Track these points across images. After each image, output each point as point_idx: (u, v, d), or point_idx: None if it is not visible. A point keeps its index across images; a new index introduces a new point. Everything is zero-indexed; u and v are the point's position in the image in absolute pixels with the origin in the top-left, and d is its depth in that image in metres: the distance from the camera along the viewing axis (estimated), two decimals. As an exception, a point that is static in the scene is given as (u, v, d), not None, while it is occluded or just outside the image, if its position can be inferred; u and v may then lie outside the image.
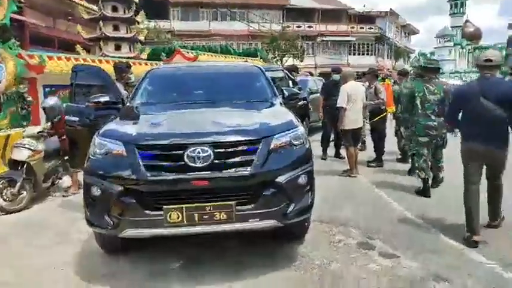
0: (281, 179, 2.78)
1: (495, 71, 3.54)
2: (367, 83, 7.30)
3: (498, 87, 3.42)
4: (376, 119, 6.92)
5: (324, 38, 38.16)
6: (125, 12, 14.83)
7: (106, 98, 4.05)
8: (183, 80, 4.25)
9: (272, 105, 3.75)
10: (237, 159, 2.72)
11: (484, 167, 3.62)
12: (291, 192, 2.83)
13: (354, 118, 5.92)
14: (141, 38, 15.73)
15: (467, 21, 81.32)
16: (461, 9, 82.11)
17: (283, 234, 3.38)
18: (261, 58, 21.21)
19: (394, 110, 7.10)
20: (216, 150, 2.69)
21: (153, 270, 3.08)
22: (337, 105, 6.01)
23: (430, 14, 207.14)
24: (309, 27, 38.20)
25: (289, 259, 3.21)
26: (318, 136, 8.84)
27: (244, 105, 3.71)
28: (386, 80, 7.79)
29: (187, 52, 16.06)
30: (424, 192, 4.95)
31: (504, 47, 63.47)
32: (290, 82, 6.02)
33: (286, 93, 4.13)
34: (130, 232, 2.72)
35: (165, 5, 34.25)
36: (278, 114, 3.37)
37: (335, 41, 38.63)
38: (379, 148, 6.94)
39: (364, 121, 7.38)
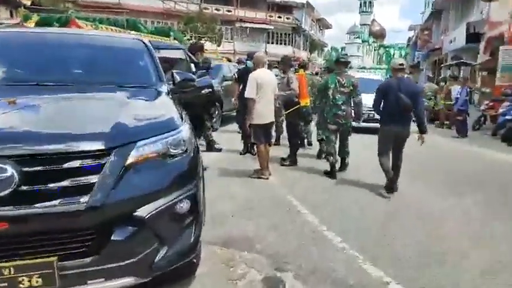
0: (144, 211, 1.78)
1: (404, 72, 5.04)
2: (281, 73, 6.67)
3: (409, 85, 4.80)
4: (288, 111, 6.24)
5: (243, 24, 37.37)
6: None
7: None
8: (24, 51, 2.93)
9: (156, 93, 2.70)
10: (64, 183, 1.64)
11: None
12: (162, 230, 1.86)
13: (263, 111, 5.11)
14: (27, 2, 13.09)
15: (373, 20, 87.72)
16: (370, 8, 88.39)
17: (159, 282, 2.37)
18: (174, 39, 19.54)
19: (308, 103, 6.54)
20: (23, 169, 1.59)
21: None
22: (245, 96, 5.18)
23: (340, 11, 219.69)
24: (228, 11, 37.03)
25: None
26: (232, 126, 7.99)
27: (111, 91, 2.59)
28: (300, 70, 7.14)
29: (86, 24, 13.86)
30: (331, 174, 5.53)
31: (404, 46, 69.95)
32: (192, 65, 4.96)
33: (177, 78, 3.09)
34: None
35: (66, -30, 29.99)
36: (155, 107, 2.36)
37: (254, 28, 38.10)
38: (292, 144, 6.28)
39: (281, 114, 6.75)
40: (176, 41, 20.38)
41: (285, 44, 40.85)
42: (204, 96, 4.84)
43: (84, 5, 27.88)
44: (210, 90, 4.93)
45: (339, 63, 5.63)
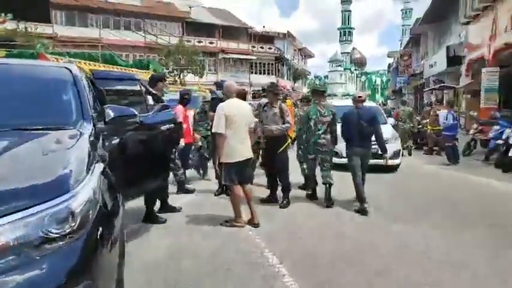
0: None
1: (363, 103, 5.66)
2: (263, 101, 6.12)
3: (368, 113, 5.51)
4: (282, 148, 5.44)
5: (226, 56, 37.52)
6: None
7: None
8: None
9: (69, 137, 2.02)
10: None
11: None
12: None
13: (236, 147, 4.45)
14: (-8, 37, 12.44)
15: (354, 48, 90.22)
16: (349, 37, 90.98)
17: None
18: (154, 70, 19.12)
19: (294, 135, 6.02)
20: None
21: None
22: (213, 130, 4.57)
23: (321, 41, 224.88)
24: (210, 43, 37.24)
25: None
26: (210, 163, 7.27)
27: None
28: (288, 100, 6.55)
29: (56, 59, 13.29)
30: (311, 196, 5.87)
31: (385, 73, 71.70)
32: (149, 98, 4.32)
33: (111, 114, 2.43)
34: None
35: (46, 7, 29.85)
36: (45, 161, 1.67)
37: (237, 58, 38.30)
38: (285, 185, 5.56)
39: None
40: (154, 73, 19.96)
41: (268, 73, 41.06)
42: (166, 133, 4.19)
43: (64, 41, 27.65)
44: (171, 126, 4.29)
45: (315, 93, 5.82)
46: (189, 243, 3.99)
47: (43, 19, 29.61)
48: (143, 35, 30.72)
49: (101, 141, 2.36)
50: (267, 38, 41.37)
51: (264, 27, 43.04)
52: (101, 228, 1.46)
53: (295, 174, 6.28)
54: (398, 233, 4.38)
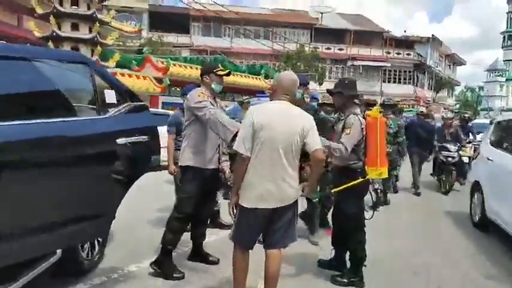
0: None
1: (425, 117, 8.84)
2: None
3: (426, 125, 8.13)
4: (341, 187, 3.13)
5: (355, 63, 34.64)
6: (89, 7, 12.35)
7: None
8: None
9: None
10: None
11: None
12: None
13: (260, 185, 2.46)
14: (109, 41, 13.17)
15: (522, 54, 74.49)
16: (516, 41, 75.45)
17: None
18: (265, 76, 18.27)
19: (384, 174, 3.36)
20: None
21: None
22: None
23: (479, 48, 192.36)
24: (340, 49, 34.95)
25: None
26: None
27: None
28: (373, 110, 3.60)
29: (162, 62, 13.39)
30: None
31: None
32: (112, 93, 2.69)
33: None
34: None
35: (187, 19, 32.42)
36: None
37: (368, 66, 34.96)
38: (352, 253, 3.27)
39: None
40: (267, 80, 19.05)
41: (405, 82, 36.51)
42: (130, 148, 2.57)
43: (198, 50, 29.61)
44: (145, 138, 2.64)
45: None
46: None
47: (183, 30, 32.34)
48: (269, 46, 30.50)
49: None
50: (405, 43, 36.87)
51: (405, 31, 38.55)
52: None
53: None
54: None
